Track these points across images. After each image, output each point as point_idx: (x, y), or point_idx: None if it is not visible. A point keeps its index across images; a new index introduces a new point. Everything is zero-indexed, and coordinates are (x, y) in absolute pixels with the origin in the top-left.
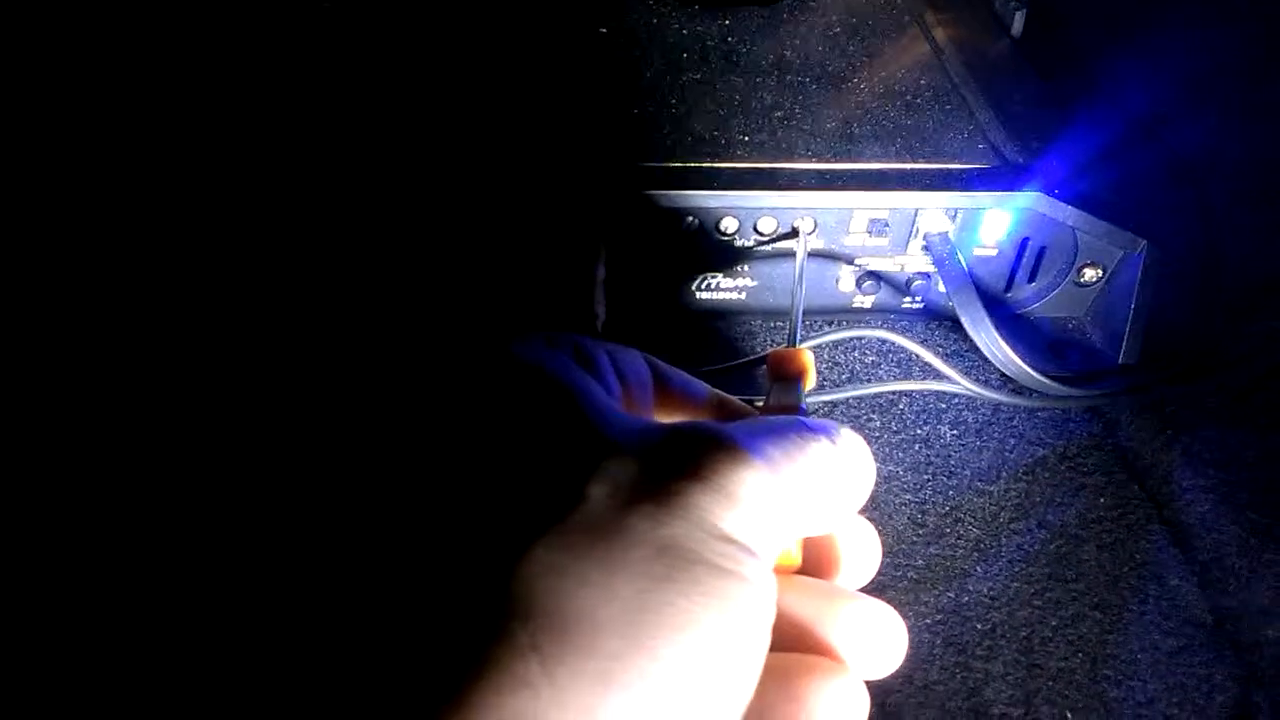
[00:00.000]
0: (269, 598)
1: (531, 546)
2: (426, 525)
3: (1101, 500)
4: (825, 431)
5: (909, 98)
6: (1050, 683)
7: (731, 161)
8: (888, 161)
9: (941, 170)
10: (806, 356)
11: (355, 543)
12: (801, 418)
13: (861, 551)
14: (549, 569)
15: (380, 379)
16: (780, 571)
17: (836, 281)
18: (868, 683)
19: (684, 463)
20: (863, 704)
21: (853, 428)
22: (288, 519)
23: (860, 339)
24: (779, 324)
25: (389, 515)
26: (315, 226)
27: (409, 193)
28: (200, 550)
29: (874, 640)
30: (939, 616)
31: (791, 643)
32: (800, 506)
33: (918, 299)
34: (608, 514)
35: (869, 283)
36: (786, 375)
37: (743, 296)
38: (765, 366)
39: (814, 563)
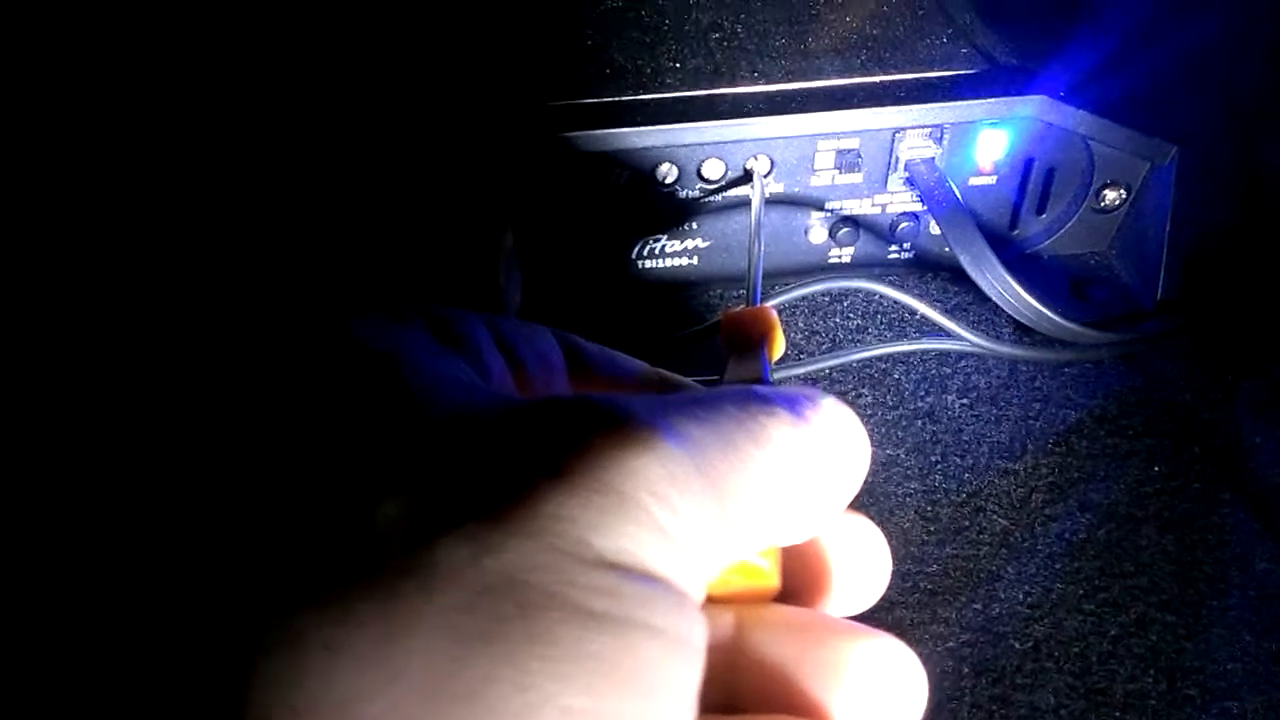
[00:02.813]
0: None
1: (261, 613)
2: (133, 583)
3: (1156, 469)
4: (786, 403)
5: (872, 6)
6: (1118, 713)
7: (661, 92)
8: (853, 76)
9: (921, 80)
10: (768, 314)
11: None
12: (750, 386)
13: (862, 565)
14: (286, 646)
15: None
16: (748, 598)
17: (806, 232)
18: None
19: (537, 450)
20: None
21: None
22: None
23: (838, 295)
24: (742, 292)
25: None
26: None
27: (272, 142)
28: None
29: (882, 695)
30: (965, 636)
31: (761, 700)
32: (747, 512)
33: (905, 246)
34: (401, 541)
35: (845, 231)
36: (745, 341)
37: (694, 262)
38: (719, 335)
39: (793, 583)
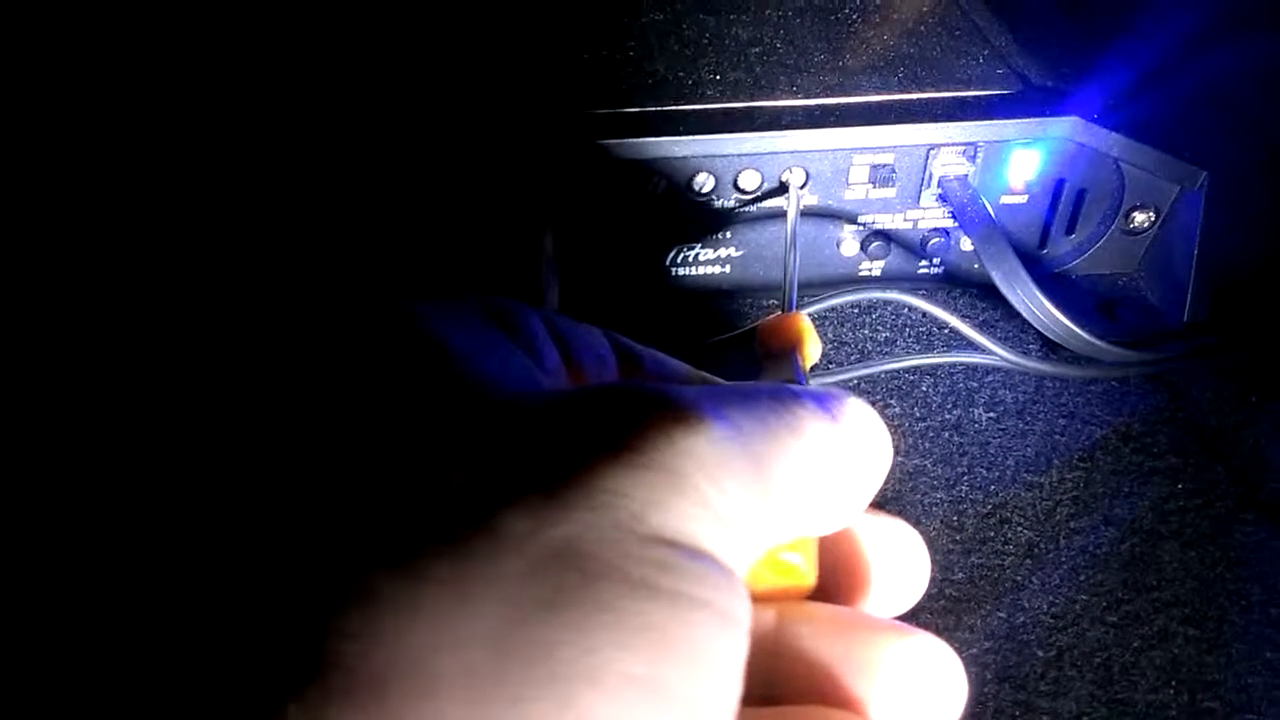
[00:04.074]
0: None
1: (334, 570)
2: (201, 546)
3: (1179, 487)
4: (816, 400)
5: (909, 25)
6: None
7: (701, 103)
8: (890, 93)
9: (956, 99)
10: (803, 321)
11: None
12: (786, 385)
13: (901, 566)
14: (362, 601)
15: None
16: (786, 595)
17: (838, 245)
18: None
19: (596, 431)
20: None
21: None
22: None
23: (867, 307)
24: (772, 301)
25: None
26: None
27: (320, 147)
28: None
29: (920, 690)
30: (989, 644)
31: (799, 693)
32: (785, 498)
33: (935, 261)
34: (469, 510)
35: (876, 244)
36: (780, 347)
37: (727, 270)
38: (755, 341)
39: (834, 582)
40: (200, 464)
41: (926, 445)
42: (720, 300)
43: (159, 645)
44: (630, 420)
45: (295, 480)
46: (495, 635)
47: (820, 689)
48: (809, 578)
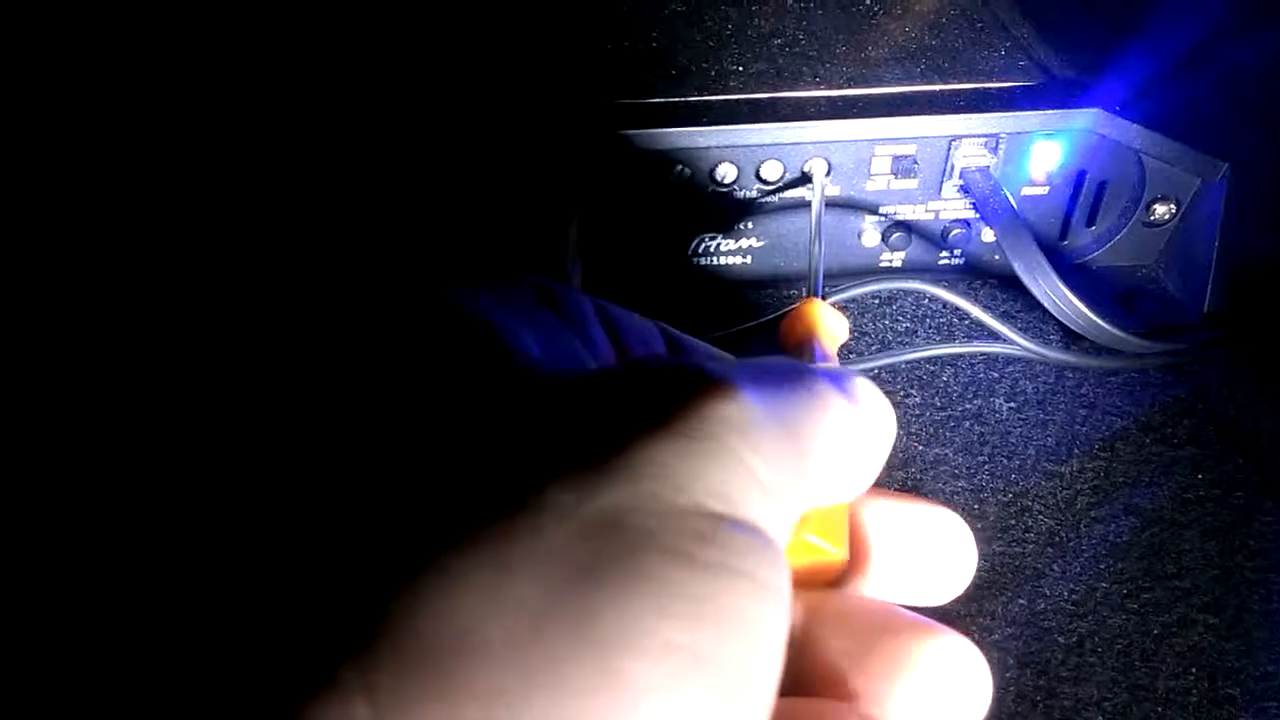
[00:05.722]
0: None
1: (385, 542)
2: (251, 522)
3: (1199, 477)
4: (832, 378)
5: (931, 17)
6: (1160, 708)
7: (724, 94)
8: (911, 84)
9: (978, 90)
10: (817, 306)
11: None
12: (801, 363)
13: (948, 554)
14: (409, 573)
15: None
16: (818, 574)
17: (859, 236)
18: None
19: (634, 404)
20: None
21: None
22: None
23: (887, 297)
24: (793, 292)
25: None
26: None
27: (350, 137)
28: None
29: (945, 693)
30: (1010, 630)
31: (823, 688)
32: (818, 468)
33: (956, 252)
34: (512, 482)
35: (897, 235)
36: (807, 333)
37: (749, 261)
38: (778, 332)
39: (876, 568)
40: (255, 445)
41: (947, 434)
42: (741, 291)
43: (216, 612)
44: (667, 393)
45: (344, 458)
46: (539, 603)
47: (845, 686)
48: (840, 555)
